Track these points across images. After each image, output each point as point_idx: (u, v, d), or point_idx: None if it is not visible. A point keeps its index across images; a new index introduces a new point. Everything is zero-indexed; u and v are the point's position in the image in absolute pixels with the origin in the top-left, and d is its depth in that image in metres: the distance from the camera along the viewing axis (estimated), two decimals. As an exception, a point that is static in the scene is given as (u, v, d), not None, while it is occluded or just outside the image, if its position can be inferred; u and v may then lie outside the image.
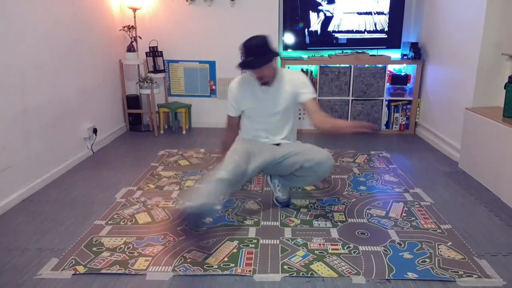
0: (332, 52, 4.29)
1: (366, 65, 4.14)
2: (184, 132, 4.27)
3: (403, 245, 2.08)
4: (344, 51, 4.28)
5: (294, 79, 2.38)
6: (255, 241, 2.12)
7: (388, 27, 4.22)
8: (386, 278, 1.82)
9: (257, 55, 2.22)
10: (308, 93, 2.35)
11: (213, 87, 4.41)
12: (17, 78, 2.58)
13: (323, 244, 2.09)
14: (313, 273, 1.85)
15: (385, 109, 4.23)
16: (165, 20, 4.22)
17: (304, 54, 4.31)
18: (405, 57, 4.18)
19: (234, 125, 2.53)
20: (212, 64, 4.35)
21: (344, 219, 2.36)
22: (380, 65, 4.14)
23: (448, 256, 1.98)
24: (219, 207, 2.47)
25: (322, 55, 4.31)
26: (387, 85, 4.17)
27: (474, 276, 1.83)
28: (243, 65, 2.30)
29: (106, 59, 3.91)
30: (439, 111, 3.79)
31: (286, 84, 2.36)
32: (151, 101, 4.13)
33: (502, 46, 2.99)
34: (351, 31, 4.24)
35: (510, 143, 2.55)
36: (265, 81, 2.31)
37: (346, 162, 3.33)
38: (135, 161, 3.40)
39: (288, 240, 2.13)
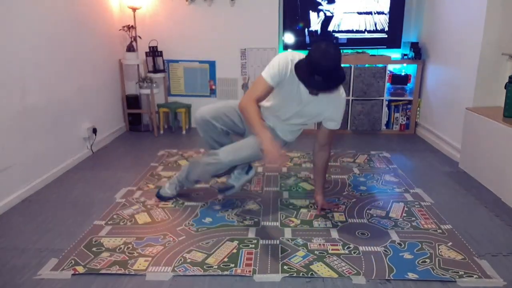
0: (332, 52, 4.28)
1: (366, 65, 4.14)
2: (184, 132, 4.26)
3: (403, 245, 2.08)
4: (344, 51, 4.28)
5: (335, 103, 2.18)
6: (255, 241, 2.12)
7: (388, 26, 4.21)
8: (387, 278, 1.81)
9: (330, 78, 1.90)
10: (332, 123, 2.24)
11: (213, 87, 4.41)
12: (16, 78, 2.58)
13: (323, 245, 2.08)
14: (313, 273, 1.84)
15: (385, 109, 4.22)
16: (165, 20, 4.22)
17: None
18: (405, 57, 4.17)
19: (263, 96, 2.15)
20: (212, 64, 4.35)
21: (344, 220, 2.35)
22: (380, 65, 4.13)
23: (449, 257, 1.98)
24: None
25: (322, 55, 4.30)
26: (387, 85, 4.17)
27: (475, 276, 1.83)
28: (316, 87, 1.94)
29: (105, 59, 3.91)
30: (439, 111, 3.79)
31: (328, 102, 2.15)
32: (151, 101, 4.13)
33: (502, 46, 2.99)
34: (351, 31, 4.24)
35: (511, 143, 2.54)
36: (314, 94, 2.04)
37: (346, 162, 3.33)
38: (134, 161, 3.39)
39: (288, 240, 2.13)
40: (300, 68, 1.96)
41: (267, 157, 1.97)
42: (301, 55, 2.12)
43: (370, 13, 4.18)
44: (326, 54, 1.88)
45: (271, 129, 2.31)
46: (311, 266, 1.90)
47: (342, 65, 4.03)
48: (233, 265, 1.91)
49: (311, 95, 2.04)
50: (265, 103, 2.29)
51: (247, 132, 2.41)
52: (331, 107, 2.19)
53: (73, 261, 1.93)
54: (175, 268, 1.88)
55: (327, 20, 4.20)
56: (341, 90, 2.21)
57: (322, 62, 1.87)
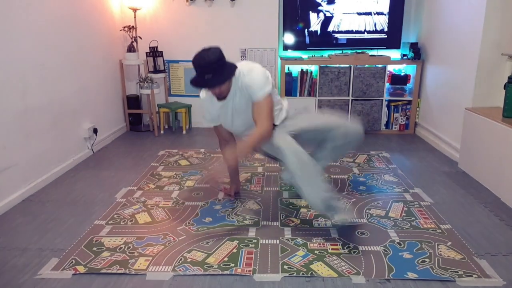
0: (332, 52, 4.29)
1: (366, 65, 4.14)
2: (184, 132, 4.27)
3: (403, 245, 2.08)
4: (344, 51, 4.29)
5: (245, 82, 2.16)
6: (255, 241, 2.12)
7: (387, 27, 4.22)
8: (386, 278, 1.82)
9: (213, 72, 2.03)
10: (256, 94, 2.15)
11: (213, 87, 4.41)
12: (17, 78, 2.59)
13: (323, 244, 2.09)
14: (313, 273, 1.85)
15: (385, 109, 4.23)
16: (165, 20, 4.23)
17: (304, 54, 4.31)
18: (404, 57, 4.18)
19: (222, 134, 2.47)
20: (212, 64, 4.35)
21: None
22: (380, 65, 4.14)
23: (448, 256, 1.98)
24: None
25: (322, 55, 4.31)
26: (387, 85, 4.18)
27: (474, 276, 1.83)
28: (198, 84, 2.10)
29: (106, 59, 3.92)
30: (438, 111, 3.79)
31: (241, 93, 2.18)
32: (151, 101, 4.13)
33: (501, 46, 3.00)
34: (351, 31, 4.25)
35: (510, 143, 2.55)
36: (222, 97, 2.19)
37: (346, 162, 3.33)
38: (135, 161, 3.40)
39: (288, 240, 2.13)
40: (193, 77, 2.14)
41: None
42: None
43: (370, 13, 4.19)
44: (203, 53, 2.08)
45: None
46: (311, 266, 1.90)
47: (341, 66, 4.02)
48: (233, 264, 1.91)
49: (220, 100, 2.21)
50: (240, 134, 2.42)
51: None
52: (245, 93, 2.18)
53: (73, 261, 1.94)
54: (176, 268, 1.89)
55: (327, 20, 4.21)
56: (242, 73, 2.17)
57: (199, 58, 2.06)
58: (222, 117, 2.32)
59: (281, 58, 4.18)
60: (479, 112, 2.94)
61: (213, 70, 2.03)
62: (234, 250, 2.03)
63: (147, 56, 4.18)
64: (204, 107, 2.36)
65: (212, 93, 2.18)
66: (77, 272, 1.86)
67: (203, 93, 2.34)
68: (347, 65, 4.11)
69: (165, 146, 3.79)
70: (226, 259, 1.96)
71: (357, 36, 4.26)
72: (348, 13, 4.19)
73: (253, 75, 2.16)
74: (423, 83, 4.12)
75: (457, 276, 1.82)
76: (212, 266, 1.90)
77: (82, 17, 3.41)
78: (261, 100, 2.16)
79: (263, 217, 2.39)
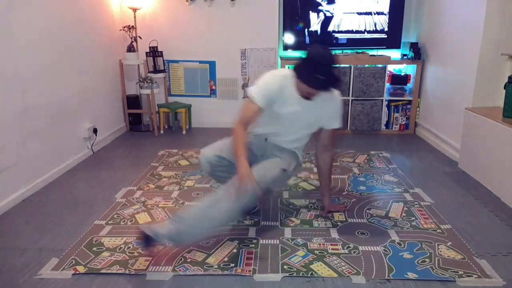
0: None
1: (366, 65, 4.14)
2: (184, 132, 4.27)
3: (403, 245, 2.08)
4: (344, 51, 4.28)
5: (332, 102, 2.17)
6: (255, 241, 2.12)
7: (388, 27, 4.22)
8: (386, 278, 1.82)
9: (326, 75, 1.93)
10: (335, 122, 2.21)
11: (213, 87, 4.42)
12: (17, 78, 2.58)
13: (323, 244, 2.09)
14: (313, 273, 1.85)
15: (385, 109, 4.23)
16: (165, 20, 4.23)
17: (304, 54, 4.30)
18: (405, 57, 4.18)
19: (252, 118, 2.07)
20: (212, 64, 4.35)
21: (344, 219, 2.36)
22: (380, 65, 4.14)
23: (448, 256, 1.98)
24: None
25: (322, 55, 4.30)
26: (387, 85, 4.17)
27: (474, 276, 1.83)
28: (312, 82, 1.96)
29: (106, 59, 3.92)
30: (439, 111, 3.79)
31: (324, 104, 2.12)
32: (151, 101, 4.13)
33: (502, 46, 2.99)
34: (351, 31, 4.24)
35: (510, 143, 2.55)
36: (308, 98, 2.06)
37: (346, 162, 3.33)
38: (135, 161, 3.40)
39: (288, 240, 2.13)
40: (301, 70, 2.02)
41: (240, 178, 1.90)
42: (285, 71, 2.19)
43: (370, 13, 4.19)
44: (326, 56, 2.00)
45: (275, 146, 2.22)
46: (311, 266, 1.90)
47: (340, 65, 4.07)
48: (233, 264, 1.91)
49: (305, 99, 2.06)
50: (265, 129, 2.22)
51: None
52: (330, 108, 2.19)
53: (73, 261, 1.94)
54: (176, 268, 1.88)
55: (327, 20, 4.20)
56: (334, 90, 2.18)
57: (325, 62, 1.97)
58: (285, 109, 2.11)
59: (281, 58, 4.18)
60: (479, 112, 2.94)
61: (327, 73, 1.94)
62: (234, 250, 2.03)
63: (147, 56, 4.18)
64: (272, 86, 2.09)
65: (306, 92, 2.02)
66: (77, 272, 1.86)
67: (281, 77, 2.15)
68: (347, 65, 4.11)
69: (165, 146, 3.79)
70: (226, 259, 1.96)
71: (357, 36, 4.25)
72: (348, 13, 4.18)
73: (338, 97, 2.20)
74: (423, 83, 4.12)
75: (457, 276, 1.82)
76: (212, 266, 1.90)
77: (81, 17, 3.41)
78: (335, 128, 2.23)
79: (263, 217, 2.39)
